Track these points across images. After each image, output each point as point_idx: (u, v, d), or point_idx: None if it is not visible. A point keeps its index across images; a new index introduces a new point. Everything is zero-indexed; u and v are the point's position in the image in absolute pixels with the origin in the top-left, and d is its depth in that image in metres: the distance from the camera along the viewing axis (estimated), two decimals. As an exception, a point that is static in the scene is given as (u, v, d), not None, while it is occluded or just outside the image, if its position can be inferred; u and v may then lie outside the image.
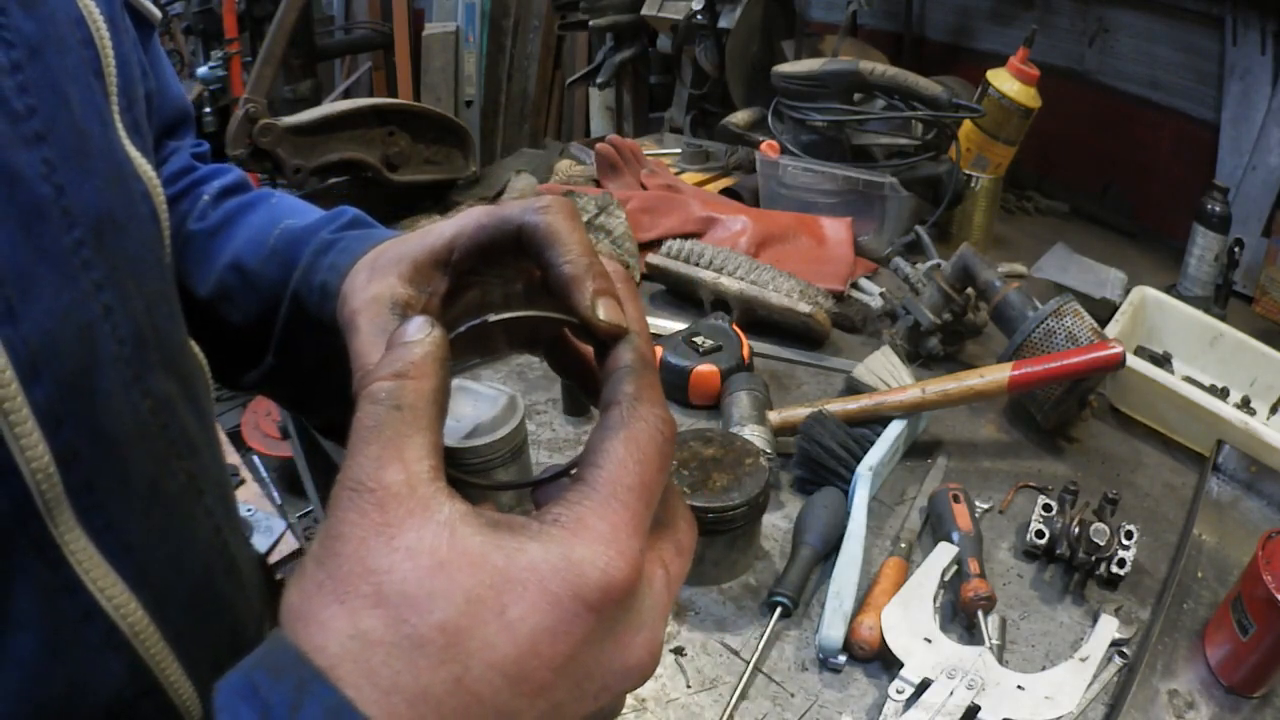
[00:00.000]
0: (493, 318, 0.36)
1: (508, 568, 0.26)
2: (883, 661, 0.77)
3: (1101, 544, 0.83)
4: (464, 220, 0.40)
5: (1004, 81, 1.59)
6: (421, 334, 0.31)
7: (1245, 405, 1.17)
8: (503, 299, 0.44)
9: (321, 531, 0.27)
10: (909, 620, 0.77)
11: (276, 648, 0.25)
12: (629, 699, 0.73)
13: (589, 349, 0.42)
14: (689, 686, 0.75)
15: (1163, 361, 1.22)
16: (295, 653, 0.25)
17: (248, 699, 0.24)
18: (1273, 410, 1.15)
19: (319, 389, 0.54)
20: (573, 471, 0.33)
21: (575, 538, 0.27)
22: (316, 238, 0.50)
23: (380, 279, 0.40)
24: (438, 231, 0.41)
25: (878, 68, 1.50)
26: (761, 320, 1.24)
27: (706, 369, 1.08)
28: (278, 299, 0.51)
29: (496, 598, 0.26)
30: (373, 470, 0.27)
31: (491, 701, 0.25)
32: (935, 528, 0.91)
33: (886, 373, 1.09)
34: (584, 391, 0.43)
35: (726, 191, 1.68)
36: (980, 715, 0.70)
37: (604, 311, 0.34)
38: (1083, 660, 0.75)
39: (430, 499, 0.27)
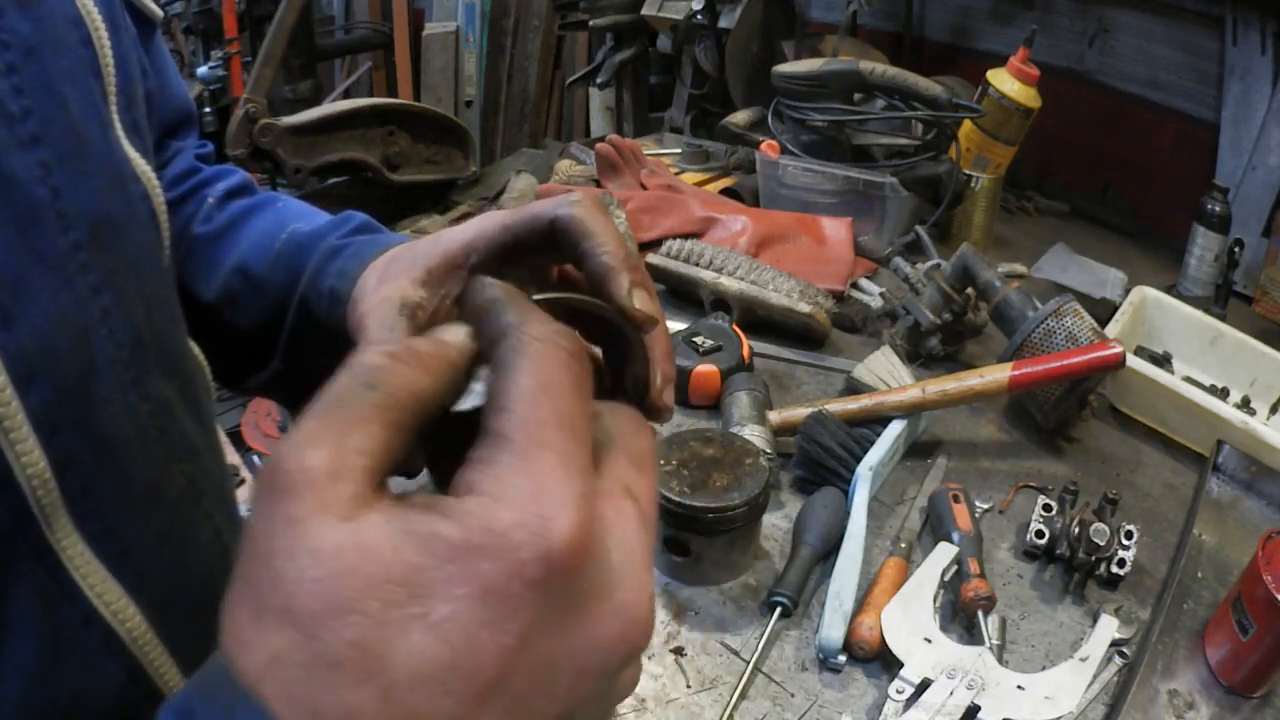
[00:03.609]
0: (536, 297, 0.34)
1: (424, 563, 0.23)
2: (883, 661, 0.77)
3: (1101, 544, 0.83)
4: (483, 224, 0.40)
5: (1004, 81, 1.59)
6: (454, 336, 0.28)
7: (1245, 405, 1.17)
8: None
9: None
10: (909, 620, 0.77)
11: (212, 668, 0.23)
12: (628, 698, 0.73)
13: (595, 359, 0.42)
14: (689, 686, 0.75)
15: (1163, 361, 1.22)
16: (226, 674, 0.23)
17: None
18: (1273, 410, 1.15)
19: None
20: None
21: (497, 504, 0.23)
22: (324, 243, 0.50)
23: (391, 282, 0.40)
24: (451, 235, 0.41)
25: (878, 68, 1.50)
26: (761, 320, 1.24)
27: (706, 369, 1.08)
28: (284, 304, 0.51)
29: (414, 600, 0.22)
30: (298, 448, 0.23)
31: (430, 711, 0.22)
32: (935, 528, 0.91)
33: (886, 373, 1.09)
34: None
35: (726, 191, 1.68)
36: (980, 715, 0.70)
37: (639, 301, 0.34)
38: (1083, 660, 0.75)
39: (349, 498, 0.23)
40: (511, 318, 0.28)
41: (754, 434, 0.96)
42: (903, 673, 0.73)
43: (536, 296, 0.36)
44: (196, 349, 0.50)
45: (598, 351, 0.36)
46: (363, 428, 0.24)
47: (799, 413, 0.99)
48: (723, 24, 1.89)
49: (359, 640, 0.22)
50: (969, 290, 1.18)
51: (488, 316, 0.28)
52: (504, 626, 0.23)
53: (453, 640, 0.22)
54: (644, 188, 1.61)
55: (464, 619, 0.23)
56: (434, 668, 0.22)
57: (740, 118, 1.82)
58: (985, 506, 0.96)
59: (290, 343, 0.52)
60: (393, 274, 0.41)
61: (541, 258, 0.40)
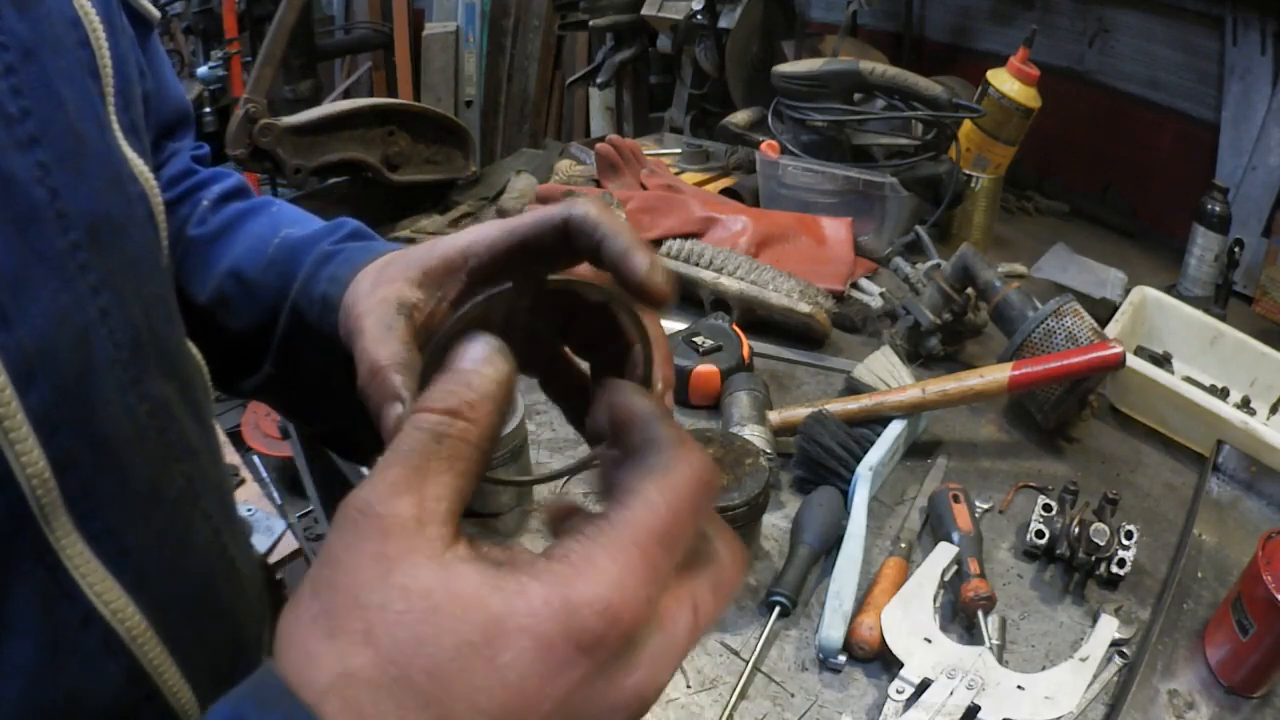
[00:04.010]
0: (553, 278, 0.38)
1: (504, 614, 0.26)
2: (883, 661, 0.77)
3: (1101, 544, 0.83)
4: (482, 228, 0.40)
5: (1004, 81, 1.59)
6: (490, 367, 0.30)
7: (1245, 405, 1.17)
8: (507, 313, 0.44)
9: (321, 554, 0.27)
10: (909, 620, 0.77)
11: (266, 679, 0.25)
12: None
13: (583, 374, 0.43)
14: (689, 686, 0.75)
15: (1163, 361, 1.22)
16: (283, 686, 0.25)
17: None
18: (1273, 410, 1.15)
19: (318, 399, 0.54)
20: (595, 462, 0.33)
21: (579, 577, 0.27)
22: (317, 249, 0.50)
23: (389, 284, 0.40)
24: (449, 240, 0.41)
25: (878, 68, 1.50)
26: (761, 320, 1.24)
27: (706, 369, 1.08)
28: (276, 309, 0.51)
29: (488, 644, 0.25)
30: (385, 495, 0.27)
31: None
32: (935, 528, 0.91)
33: (886, 373, 1.09)
34: (571, 418, 0.43)
35: (726, 191, 1.68)
36: (980, 715, 0.70)
37: (659, 276, 0.35)
38: (1083, 660, 0.75)
39: (436, 540, 0.26)
40: (669, 432, 0.31)
41: (754, 434, 0.96)
42: (903, 673, 0.73)
43: (552, 277, 0.37)
44: (195, 349, 0.50)
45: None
46: (437, 478, 0.28)
47: (799, 413, 0.99)
48: (723, 24, 1.89)
49: (431, 668, 0.25)
50: (969, 290, 1.18)
51: (641, 423, 0.32)
52: (552, 679, 0.26)
53: (509, 684, 0.25)
54: (644, 188, 1.61)
55: (522, 666, 0.25)
56: (489, 703, 0.25)
57: (740, 118, 1.82)
58: (985, 506, 0.96)
59: (282, 347, 0.52)
60: (389, 276, 0.41)
61: (539, 264, 0.41)
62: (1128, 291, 1.27)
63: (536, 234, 0.39)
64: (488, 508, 0.88)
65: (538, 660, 0.26)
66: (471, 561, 0.27)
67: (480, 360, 0.30)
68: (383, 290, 0.40)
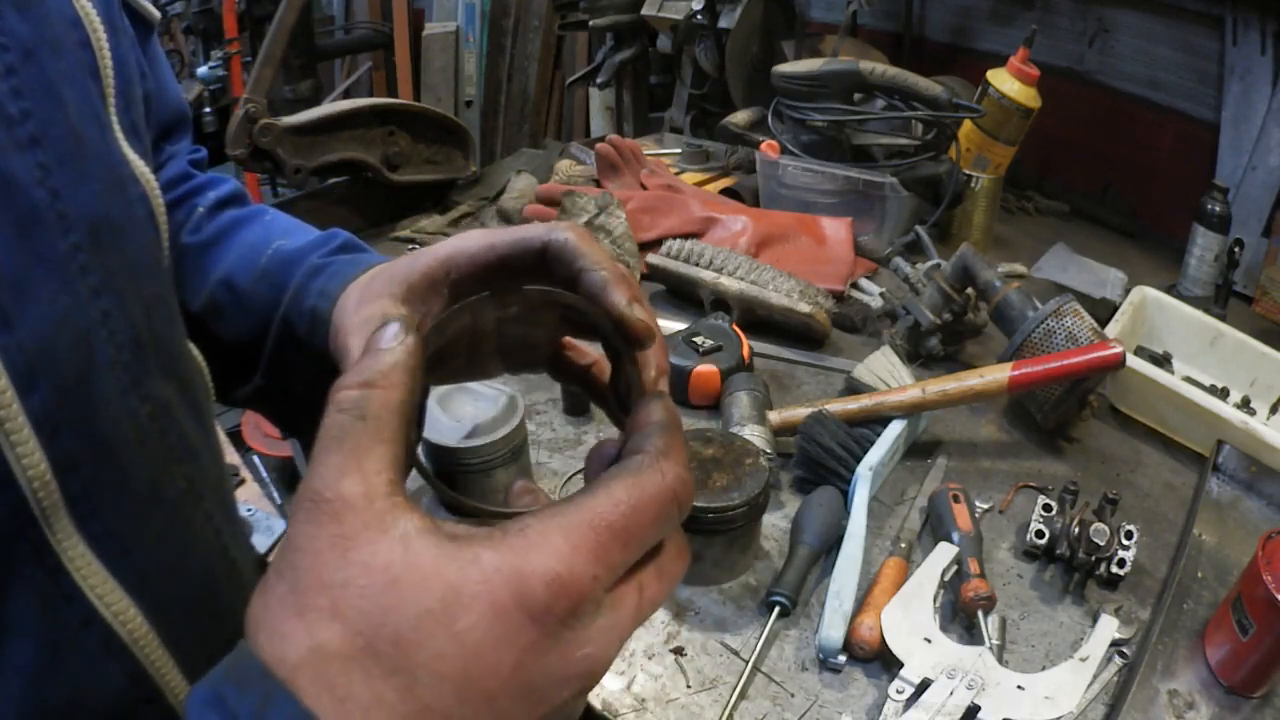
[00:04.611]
0: (528, 289, 0.38)
1: (459, 581, 0.27)
2: (883, 661, 0.77)
3: (1101, 544, 0.83)
4: (463, 241, 0.41)
5: (1004, 81, 1.59)
6: (395, 341, 0.31)
7: (1245, 405, 1.17)
8: (496, 324, 0.44)
9: (283, 543, 0.28)
10: (909, 620, 0.77)
11: (242, 659, 0.26)
12: (628, 699, 0.73)
13: (588, 362, 0.43)
14: (689, 686, 0.75)
15: (1163, 361, 1.22)
16: (260, 665, 0.26)
17: (216, 708, 0.25)
18: (1273, 410, 1.15)
19: (308, 411, 0.54)
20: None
21: (532, 549, 0.28)
22: (307, 261, 0.51)
23: (373, 301, 0.41)
24: (430, 253, 0.41)
25: (878, 68, 1.50)
26: (761, 320, 1.24)
27: (706, 369, 1.08)
28: (268, 320, 0.51)
29: (446, 610, 0.27)
30: (332, 481, 0.28)
31: (440, 708, 0.26)
32: (935, 528, 0.91)
33: (886, 373, 1.09)
34: (590, 393, 0.43)
35: (726, 191, 1.68)
36: (980, 715, 0.70)
37: (639, 312, 0.36)
38: (1083, 660, 0.75)
39: (386, 512, 0.28)
40: (659, 443, 0.32)
41: (754, 434, 0.96)
42: (903, 673, 0.73)
43: (529, 288, 0.38)
44: (196, 351, 0.50)
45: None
46: (373, 451, 0.28)
47: (799, 413, 0.99)
48: (723, 24, 1.89)
49: (395, 638, 0.26)
50: (969, 290, 1.18)
51: (643, 433, 0.33)
52: (506, 645, 0.27)
53: (467, 649, 0.26)
54: (644, 188, 1.61)
55: (478, 632, 0.27)
56: (450, 669, 0.26)
57: (740, 118, 1.82)
58: (985, 506, 0.96)
59: (273, 358, 0.52)
60: (374, 293, 0.42)
61: (518, 282, 0.41)
62: (1128, 291, 1.27)
63: (517, 254, 0.39)
64: (488, 507, 0.88)
65: (492, 626, 0.27)
66: (427, 535, 0.28)
67: (388, 337, 0.31)
68: (367, 309, 0.41)
